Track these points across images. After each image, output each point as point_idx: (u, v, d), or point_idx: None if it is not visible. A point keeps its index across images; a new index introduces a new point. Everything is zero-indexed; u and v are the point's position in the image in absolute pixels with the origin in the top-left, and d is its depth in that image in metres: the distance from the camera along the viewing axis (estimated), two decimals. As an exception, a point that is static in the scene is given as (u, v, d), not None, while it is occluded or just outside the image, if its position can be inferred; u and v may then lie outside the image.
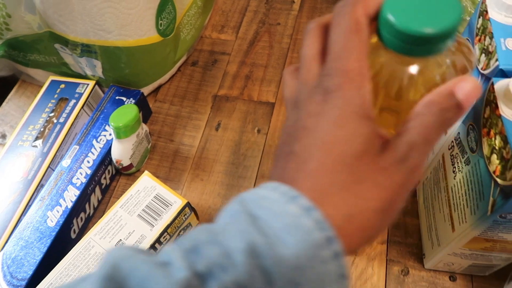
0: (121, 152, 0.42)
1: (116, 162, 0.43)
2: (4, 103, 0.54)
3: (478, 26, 0.31)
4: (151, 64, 0.49)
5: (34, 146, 0.44)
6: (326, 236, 0.17)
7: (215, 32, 0.58)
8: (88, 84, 0.49)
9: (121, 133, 0.41)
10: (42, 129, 0.46)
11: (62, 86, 0.49)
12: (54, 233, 0.37)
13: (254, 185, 0.44)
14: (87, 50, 0.46)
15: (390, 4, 0.19)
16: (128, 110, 0.42)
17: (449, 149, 0.34)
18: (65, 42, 0.45)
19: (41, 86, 0.55)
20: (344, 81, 0.18)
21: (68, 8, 0.41)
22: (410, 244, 0.39)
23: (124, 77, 0.49)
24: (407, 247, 0.39)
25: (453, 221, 0.32)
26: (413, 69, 0.21)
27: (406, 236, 0.40)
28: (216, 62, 0.55)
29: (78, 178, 0.41)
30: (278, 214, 0.17)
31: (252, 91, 0.52)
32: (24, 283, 0.35)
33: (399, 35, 0.19)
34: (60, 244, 0.39)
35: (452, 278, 0.37)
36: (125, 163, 0.43)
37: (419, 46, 0.19)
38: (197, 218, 0.42)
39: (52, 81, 0.50)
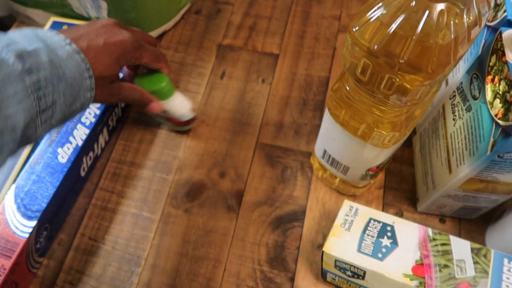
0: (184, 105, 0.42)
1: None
2: (2, 44, 0.52)
3: (491, 64, 0.30)
4: (157, 8, 0.49)
5: (39, 85, 0.44)
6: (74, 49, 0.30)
7: (218, -18, 0.57)
8: (91, 27, 0.48)
9: (168, 93, 0.40)
10: (46, 69, 0.45)
11: (65, 27, 0.48)
12: (66, 169, 0.38)
13: (259, 132, 0.46)
14: (92, -10, 0.45)
15: None
16: (156, 75, 0.39)
17: (450, 99, 0.36)
18: (70, -20, 0.44)
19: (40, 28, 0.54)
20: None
21: None
22: (405, 190, 0.42)
23: (129, 21, 0.48)
24: (402, 193, 0.42)
25: (450, 164, 0.34)
26: (441, 6, 0.22)
27: (401, 183, 0.42)
28: (220, 11, 0.55)
29: (87, 118, 0.41)
30: (56, 42, 0.29)
31: (256, 42, 0.52)
32: (38, 214, 0.36)
33: None
34: (71, 180, 0.40)
35: (442, 220, 0.40)
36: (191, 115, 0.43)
37: None
38: None
39: (54, 22, 0.49)
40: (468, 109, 0.32)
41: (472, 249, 0.31)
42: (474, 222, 0.40)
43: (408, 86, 0.25)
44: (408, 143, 0.44)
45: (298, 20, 0.54)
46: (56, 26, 0.49)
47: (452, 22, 0.23)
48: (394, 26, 0.23)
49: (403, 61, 0.24)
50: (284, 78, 0.49)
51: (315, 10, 0.55)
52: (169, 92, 0.40)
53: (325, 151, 0.38)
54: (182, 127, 0.45)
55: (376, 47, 0.24)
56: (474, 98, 0.32)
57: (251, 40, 0.52)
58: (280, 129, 0.46)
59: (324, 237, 0.40)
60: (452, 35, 0.23)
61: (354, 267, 0.32)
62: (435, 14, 0.23)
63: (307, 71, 0.50)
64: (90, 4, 0.47)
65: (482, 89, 0.31)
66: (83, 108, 0.32)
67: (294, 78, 0.49)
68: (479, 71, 0.32)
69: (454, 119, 0.35)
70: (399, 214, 0.41)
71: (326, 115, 0.34)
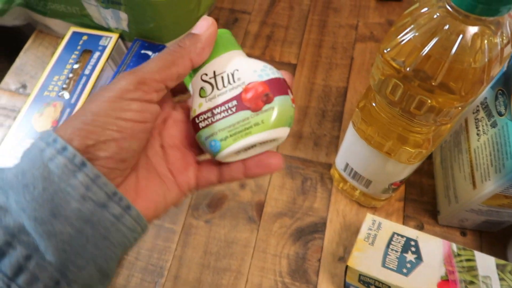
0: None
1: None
2: (21, 53, 0.53)
3: None
4: (175, 19, 0.49)
5: (60, 96, 0.44)
6: (52, 141, 0.20)
7: (235, -10, 0.58)
8: (111, 37, 0.49)
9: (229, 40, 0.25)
10: (67, 80, 0.46)
11: (85, 38, 0.49)
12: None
13: (278, 143, 0.46)
14: (113, 1, 0.45)
15: None
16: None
17: (473, 113, 0.36)
18: (91, -8, 0.45)
19: (58, 37, 0.55)
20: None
21: (100, -44, 0.40)
22: (425, 202, 0.42)
23: (148, 31, 0.48)
24: (423, 205, 0.42)
25: (474, 179, 0.34)
26: (475, 29, 0.22)
27: (421, 195, 0.42)
28: (237, 20, 0.55)
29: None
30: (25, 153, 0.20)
31: (274, 52, 0.52)
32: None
33: None
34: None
35: (463, 233, 0.40)
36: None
37: (486, 4, 0.21)
38: None
39: (74, 32, 0.49)
40: (493, 125, 0.32)
41: (497, 265, 0.31)
42: (496, 235, 0.40)
43: (439, 107, 0.25)
44: (428, 155, 0.44)
45: (315, 29, 0.54)
46: (75, 36, 0.49)
47: (486, 44, 0.23)
48: (427, 49, 0.24)
49: (435, 83, 0.24)
50: (303, 88, 0.49)
51: (331, 19, 0.55)
52: (232, 40, 0.25)
53: (347, 165, 0.38)
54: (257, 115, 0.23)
55: (408, 69, 0.24)
56: (500, 114, 0.32)
57: (268, 50, 0.52)
58: (299, 140, 0.46)
59: (346, 249, 0.40)
60: (486, 58, 0.23)
61: (379, 282, 0.32)
62: (469, 37, 0.23)
63: (325, 81, 0.50)
64: (110, 15, 0.47)
65: (508, 106, 0.31)
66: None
67: (312, 88, 0.49)
68: (504, 87, 0.32)
69: (478, 134, 0.35)
70: (420, 227, 0.41)
71: (350, 130, 0.35)
